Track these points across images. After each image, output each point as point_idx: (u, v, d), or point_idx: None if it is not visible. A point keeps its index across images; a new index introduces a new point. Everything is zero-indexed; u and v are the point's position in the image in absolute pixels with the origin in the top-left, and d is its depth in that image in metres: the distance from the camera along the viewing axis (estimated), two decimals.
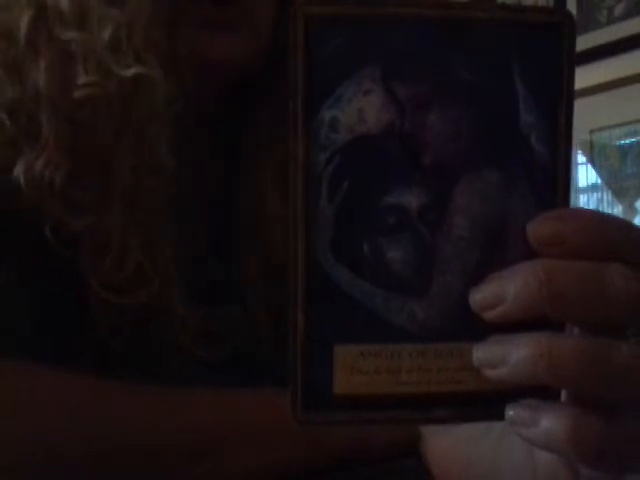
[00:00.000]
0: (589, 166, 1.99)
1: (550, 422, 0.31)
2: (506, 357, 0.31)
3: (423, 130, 0.31)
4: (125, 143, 0.52)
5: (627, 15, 1.89)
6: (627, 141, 1.93)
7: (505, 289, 0.31)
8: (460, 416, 0.34)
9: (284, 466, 0.50)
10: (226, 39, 0.58)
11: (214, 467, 0.49)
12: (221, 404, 0.50)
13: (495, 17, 0.32)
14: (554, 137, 0.32)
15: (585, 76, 1.76)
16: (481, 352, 0.32)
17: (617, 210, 1.93)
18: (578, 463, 0.34)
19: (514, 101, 0.32)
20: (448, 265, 0.32)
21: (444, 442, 0.44)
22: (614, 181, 1.95)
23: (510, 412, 0.32)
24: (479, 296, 0.32)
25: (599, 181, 1.99)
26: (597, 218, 0.32)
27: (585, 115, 1.82)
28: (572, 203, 0.34)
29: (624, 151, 1.93)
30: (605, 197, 1.97)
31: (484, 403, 0.33)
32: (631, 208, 1.92)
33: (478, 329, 0.32)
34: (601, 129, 1.94)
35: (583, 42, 1.81)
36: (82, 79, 0.51)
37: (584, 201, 1.99)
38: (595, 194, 1.99)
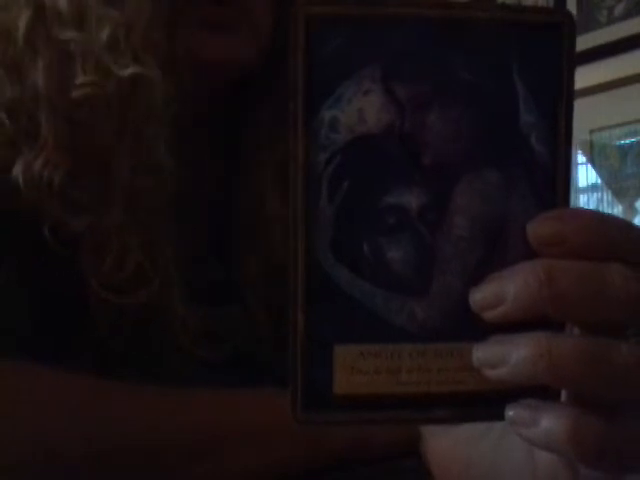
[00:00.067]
0: (589, 166, 1.99)
1: (550, 422, 0.31)
2: (506, 357, 0.31)
3: (423, 130, 0.31)
4: (123, 143, 0.52)
5: (627, 15, 1.89)
6: (627, 141, 1.93)
7: (505, 289, 0.31)
8: (460, 416, 0.34)
9: (284, 466, 0.50)
10: (226, 39, 0.58)
11: (214, 467, 0.49)
12: (221, 404, 0.50)
13: (495, 17, 0.32)
14: (554, 137, 0.32)
15: (585, 76, 1.76)
16: (481, 352, 0.32)
17: (617, 210, 1.93)
18: (578, 463, 0.34)
19: (514, 101, 0.32)
20: (448, 265, 0.32)
21: (444, 442, 0.44)
22: (614, 181, 1.95)
23: (510, 412, 0.32)
24: (479, 296, 0.32)
25: (599, 181, 1.99)
26: (597, 218, 0.32)
27: (585, 115, 1.82)
28: (572, 203, 0.34)
29: (624, 151, 1.93)
30: (605, 197, 1.97)
31: (484, 403, 0.33)
32: (631, 208, 1.92)
33: (478, 329, 0.32)
34: (601, 129, 1.94)
35: (583, 42, 1.81)
36: (80, 79, 0.51)
37: (584, 201, 1.99)
38: (595, 194, 1.99)
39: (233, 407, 0.50)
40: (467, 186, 0.32)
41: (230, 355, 0.57)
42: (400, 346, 0.32)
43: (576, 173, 1.98)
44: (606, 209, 1.93)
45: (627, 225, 0.32)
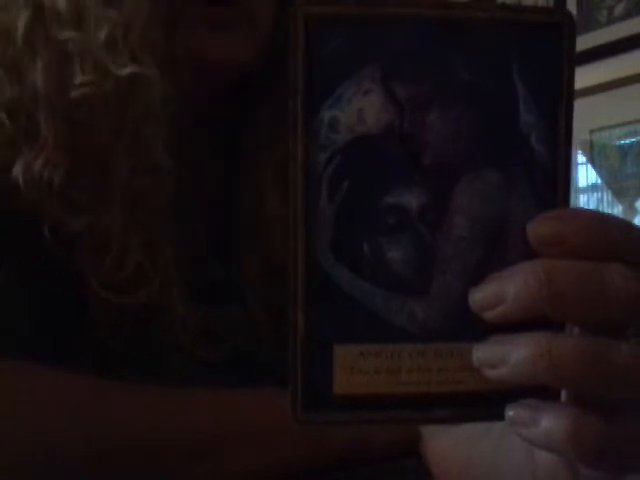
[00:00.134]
0: (589, 166, 1.99)
1: (550, 422, 0.31)
2: (506, 357, 0.31)
3: (423, 130, 0.31)
4: (122, 142, 0.52)
5: (627, 15, 1.89)
6: (627, 141, 1.93)
7: (505, 289, 0.31)
8: (460, 416, 0.34)
9: (284, 466, 0.50)
10: (226, 38, 0.58)
11: (214, 467, 0.49)
12: (221, 404, 0.50)
13: (495, 17, 0.32)
14: (554, 137, 0.32)
15: (585, 76, 1.76)
16: (481, 352, 0.32)
17: (617, 210, 1.93)
18: (578, 463, 0.34)
19: (514, 101, 0.32)
20: (448, 265, 0.32)
21: (444, 442, 0.44)
22: (614, 181, 1.95)
23: (510, 412, 0.32)
24: (479, 296, 0.32)
25: (599, 181, 1.99)
26: (597, 218, 0.32)
27: (585, 115, 1.82)
28: (572, 203, 0.34)
29: (624, 151, 1.93)
30: (605, 197, 1.97)
31: (484, 403, 0.33)
32: (631, 208, 1.92)
33: (478, 329, 0.32)
34: (601, 129, 1.94)
35: (583, 42, 1.81)
36: (79, 79, 0.51)
37: (584, 201, 1.99)
38: (595, 194, 1.99)
39: (233, 407, 0.50)
40: (467, 186, 0.32)
41: (230, 355, 0.57)
42: (400, 346, 0.32)
43: (576, 173, 1.98)
44: (606, 209, 1.93)
45: (627, 225, 0.32)
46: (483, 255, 0.32)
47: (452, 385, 0.33)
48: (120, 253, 0.52)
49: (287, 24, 0.31)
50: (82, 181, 0.52)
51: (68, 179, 0.51)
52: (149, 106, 0.53)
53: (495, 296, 0.31)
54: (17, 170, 0.51)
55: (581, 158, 1.98)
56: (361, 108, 0.31)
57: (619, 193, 1.94)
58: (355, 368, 0.32)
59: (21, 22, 0.53)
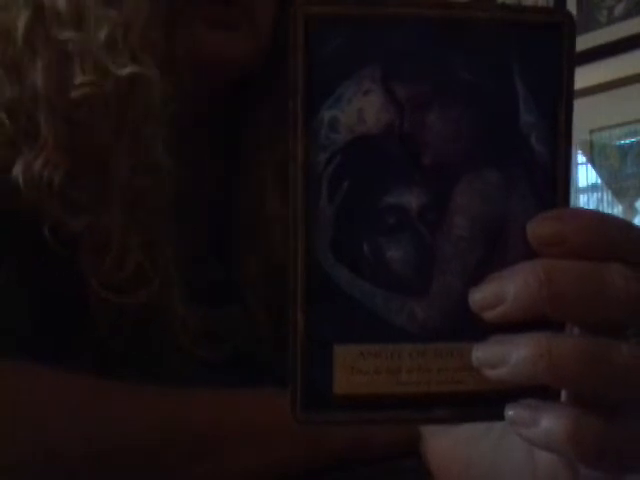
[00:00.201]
0: (589, 166, 1.99)
1: (550, 422, 0.31)
2: (506, 357, 0.31)
3: (423, 130, 0.31)
4: (121, 142, 0.52)
5: (627, 15, 1.89)
6: (627, 141, 1.93)
7: (505, 289, 0.31)
8: (460, 416, 0.34)
9: (284, 466, 0.50)
10: (226, 35, 0.58)
11: (214, 467, 0.49)
12: (221, 404, 0.50)
13: (495, 17, 0.32)
14: (554, 137, 0.32)
15: (585, 76, 1.76)
16: (481, 352, 0.32)
17: (617, 210, 1.93)
18: (578, 463, 0.34)
19: (514, 101, 0.32)
20: (448, 265, 0.32)
21: (444, 442, 0.44)
22: (614, 181, 1.95)
23: (510, 412, 0.32)
24: (479, 296, 0.32)
25: (599, 181, 1.99)
26: (597, 218, 0.32)
27: (585, 115, 1.82)
28: (572, 203, 0.34)
29: (624, 151, 1.93)
30: (605, 197, 1.97)
31: (484, 403, 0.33)
32: (631, 208, 1.92)
33: (478, 329, 0.32)
34: (601, 129, 1.94)
35: (583, 42, 1.81)
36: (79, 79, 0.51)
37: (584, 201, 1.99)
38: (595, 194, 1.99)
39: (233, 407, 0.50)
40: (467, 186, 0.32)
41: (230, 355, 0.57)
42: (400, 346, 0.32)
43: (576, 173, 1.98)
44: (606, 209, 1.93)
45: (627, 225, 0.32)
46: (483, 255, 0.32)
47: (452, 385, 0.33)
48: (120, 253, 0.52)
49: (287, 24, 0.31)
50: (82, 181, 0.52)
51: (68, 179, 0.51)
52: (149, 106, 0.53)
53: (495, 296, 0.31)
54: (17, 170, 0.51)
55: (581, 158, 1.98)
56: (361, 108, 0.31)
57: (619, 193, 1.94)
58: (355, 368, 0.32)
59: (21, 22, 0.53)
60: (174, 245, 0.55)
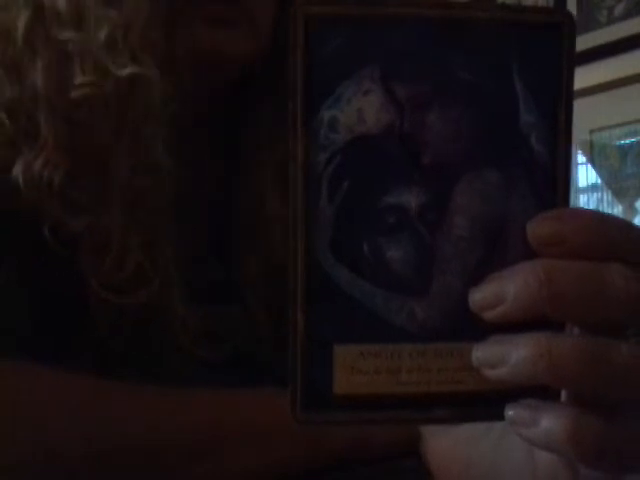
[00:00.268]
0: (589, 166, 1.99)
1: (550, 422, 0.31)
2: (506, 357, 0.31)
3: (423, 130, 0.31)
4: (121, 143, 0.52)
5: (627, 15, 1.89)
6: (627, 141, 1.93)
7: (505, 289, 0.31)
8: (460, 416, 0.34)
9: (284, 466, 0.50)
10: (225, 35, 0.58)
11: (214, 467, 0.49)
12: (221, 404, 0.50)
13: (495, 17, 0.32)
14: (554, 137, 0.32)
15: (585, 76, 1.76)
16: (481, 352, 0.32)
17: (617, 210, 1.92)
18: (578, 463, 0.34)
19: (514, 101, 0.32)
20: (448, 265, 0.32)
21: (444, 442, 0.44)
22: (614, 181, 1.95)
23: (510, 412, 0.32)
24: (479, 296, 0.32)
25: (599, 181, 1.99)
26: (597, 218, 0.32)
27: (585, 115, 1.82)
28: (572, 203, 0.34)
29: (624, 151, 1.93)
30: (605, 197, 1.97)
31: (484, 403, 0.33)
32: (631, 208, 1.92)
33: (478, 329, 0.32)
34: (601, 129, 1.94)
35: (583, 42, 1.81)
36: (79, 79, 0.51)
37: (584, 201, 1.99)
38: (595, 194, 1.99)
39: (233, 407, 0.50)
40: (467, 186, 0.32)
41: (230, 355, 0.57)
42: (400, 346, 0.32)
43: (576, 173, 1.97)
44: (606, 209, 1.93)
45: (627, 225, 0.32)
46: (483, 255, 0.32)
47: (452, 385, 0.33)
48: (120, 253, 0.52)
49: (287, 24, 0.31)
50: (82, 181, 0.52)
51: (68, 179, 0.51)
52: (149, 106, 0.53)
53: (495, 296, 0.31)
54: (17, 170, 0.51)
55: (581, 158, 1.98)
56: (361, 108, 0.31)
57: (619, 193, 1.94)
58: (355, 368, 0.32)
59: (21, 22, 0.53)
60: (174, 245, 0.55)
